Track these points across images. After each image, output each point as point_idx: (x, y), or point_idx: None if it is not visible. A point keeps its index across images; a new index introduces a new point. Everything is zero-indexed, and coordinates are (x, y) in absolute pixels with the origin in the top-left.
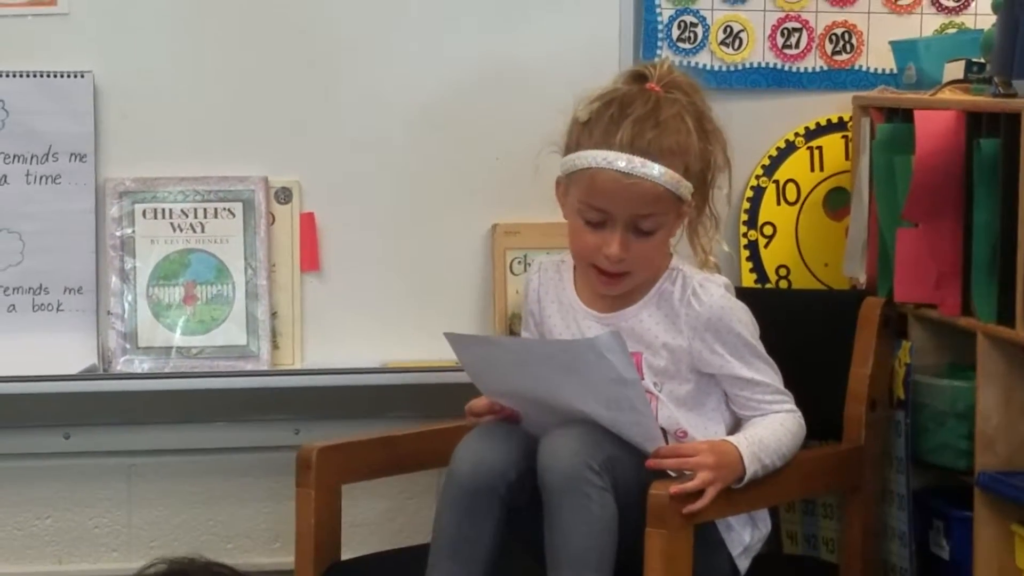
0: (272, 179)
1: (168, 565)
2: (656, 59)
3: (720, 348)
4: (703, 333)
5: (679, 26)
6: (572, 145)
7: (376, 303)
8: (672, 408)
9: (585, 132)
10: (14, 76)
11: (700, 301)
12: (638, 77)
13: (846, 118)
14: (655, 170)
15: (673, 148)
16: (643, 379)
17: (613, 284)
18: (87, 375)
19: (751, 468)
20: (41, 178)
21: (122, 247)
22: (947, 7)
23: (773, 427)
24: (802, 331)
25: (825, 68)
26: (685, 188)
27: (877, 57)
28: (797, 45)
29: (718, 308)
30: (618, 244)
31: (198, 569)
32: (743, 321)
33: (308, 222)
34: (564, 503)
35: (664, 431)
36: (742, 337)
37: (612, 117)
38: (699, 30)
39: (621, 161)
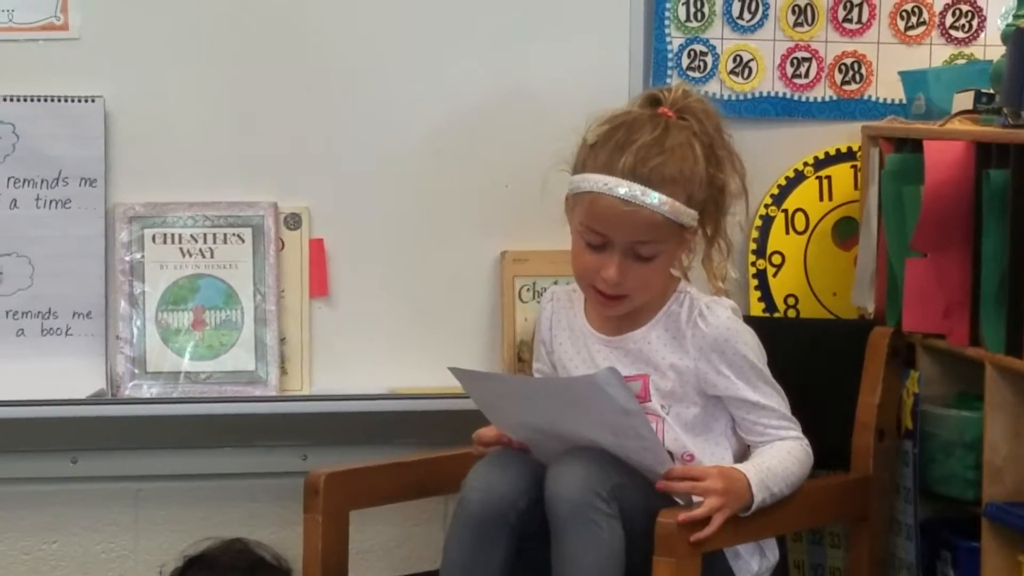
0: (282, 205)
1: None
2: (672, 83)
3: (726, 369)
4: (709, 354)
5: (689, 55)
6: (579, 166)
7: (385, 329)
8: (679, 431)
9: (591, 155)
10: (25, 100)
11: (707, 322)
12: (652, 101)
13: (855, 148)
14: (655, 199)
15: (676, 177)
16: (650, 401)
17: (612, 306)
18: (95, 400)
19: (759, 496)
20: (51, 202)
21: (131, 272)
22: (956, 38)
23: (781, 455)
24: (810, 360)
25: (834, 98)
26: (687, 216)
27: (886, 87)
28: (806, 75)
29: (724, 329)
30: (616, 268)
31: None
32: (749, 344)
33: (317, 248)
34: (572, 531)
35: (671, 454)
36: (748, 359)
37: (618, 142)
38: (709, 59)
39: (622, 188)
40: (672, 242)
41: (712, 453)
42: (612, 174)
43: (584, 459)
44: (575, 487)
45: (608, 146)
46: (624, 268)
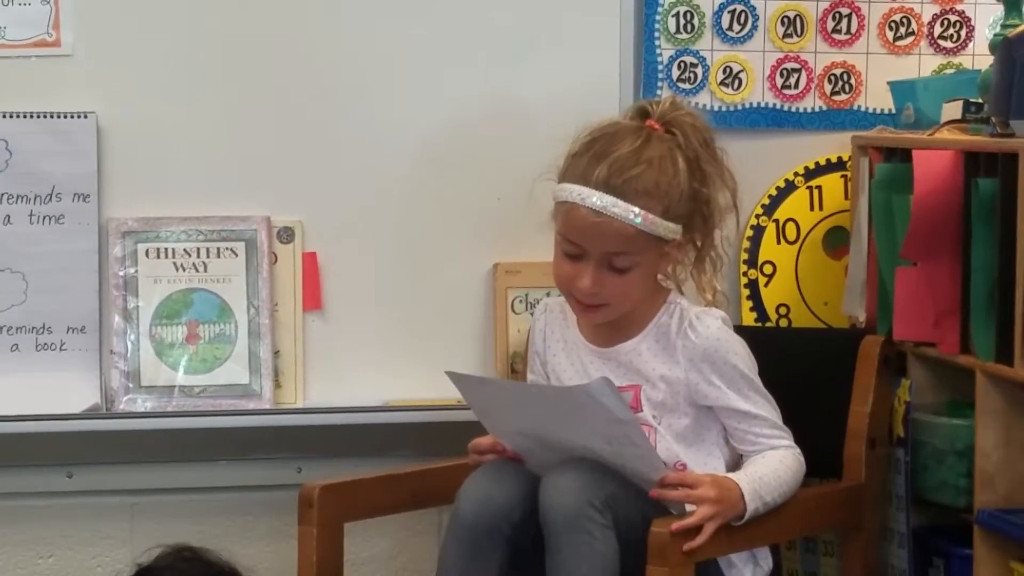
0: (275, 219)
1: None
2: (663, 96)
3: (717, 380)
4: (699, 364)
5: (679, 66)
6: (561, 175)
7: (378, 342)
8: (671, 441)
9: (572, 164)
10: (18, 117)
11: (696, 332)
12: (641, 113)
13: (845, 158)
14: (626, 210)
15: (651, 189)
16: (642, 411)
17: (591, 314)
18: (90, 414)
19: (752, 505)
20: (44, 218)
21: (125, 286)
22: (945, 48)
23: (773, 464)
24: (802, 369)
25: (824, 108)
26: (664, 229)
27: (876, 97)
28: (796, 85)
29: (714, 339)
30: (590, 279)
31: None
32: (739, 354)
33: (310, 261)
34: (566, 541)
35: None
36: (738, 369)
37: (596, 153)
38: (699, 70)
39: (593, 198)
40: (649, 254)
41: (704, 463)
42: (587, 184)
43: (578, 469)
44: (569, 497)
45: (586, 156)
46: (599, 279)
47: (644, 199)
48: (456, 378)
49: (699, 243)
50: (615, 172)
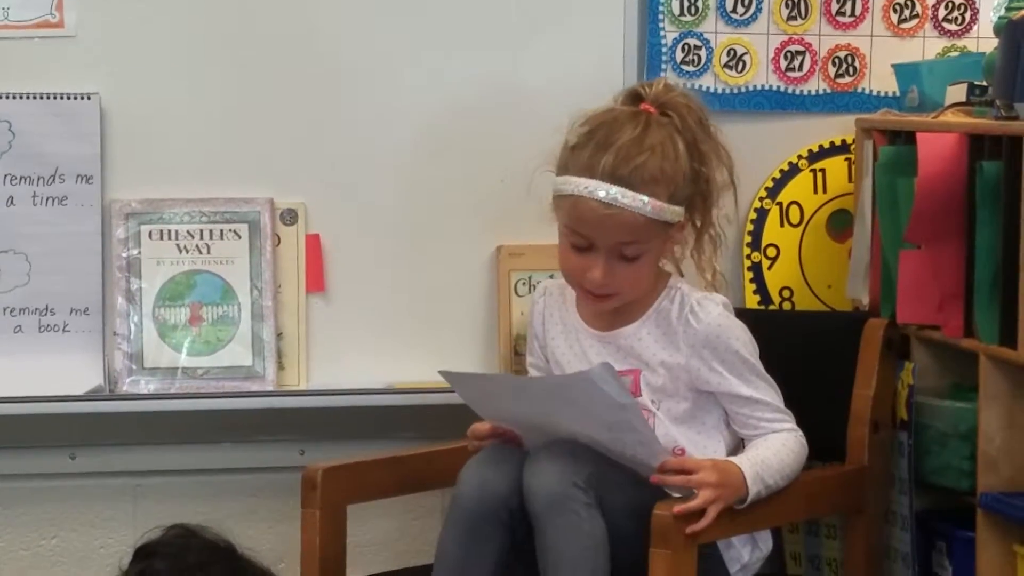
0: (278, 201)
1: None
2: (654, 78)
3: (718, 366)
4: (701, 350)
5: (683, 49)
6: (561, 167)
7: (381, 324)
8: (669, 425)
9: (572, 156)
10: (21, 98)
11: (698, 319)
12: (634, 97)
13: (849, 140)
14: (636, 200)
15: (657, 176)
16: (641, 396)
17: (601, 303)
18: (93, 396)
19: (754, 488)
20: (47, 199)
21: (128, 268)
22: (949, 30)
23: (775, 447)
24: (805, 353)
25: (828, 91)
26: (671, 213)
27: (880, 80)
28: (800, 68)
29: (715, 326)
30: (601, 271)
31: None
32: (741, 339)
33: (313, 243)
34: (552, 522)
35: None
36: (740, 355)
37: (598, 143)
38: (703, 53)
39: (601, 191)
40: (657, 240)
41: (704, 446)
42: (593, 176)
43: (559, 451)
44: (551, 479)
45: (589, 147)
46: (610, 269)
47: (651, 186)
48: (451, 377)
49: (698, 223)
50: (621, 162)
